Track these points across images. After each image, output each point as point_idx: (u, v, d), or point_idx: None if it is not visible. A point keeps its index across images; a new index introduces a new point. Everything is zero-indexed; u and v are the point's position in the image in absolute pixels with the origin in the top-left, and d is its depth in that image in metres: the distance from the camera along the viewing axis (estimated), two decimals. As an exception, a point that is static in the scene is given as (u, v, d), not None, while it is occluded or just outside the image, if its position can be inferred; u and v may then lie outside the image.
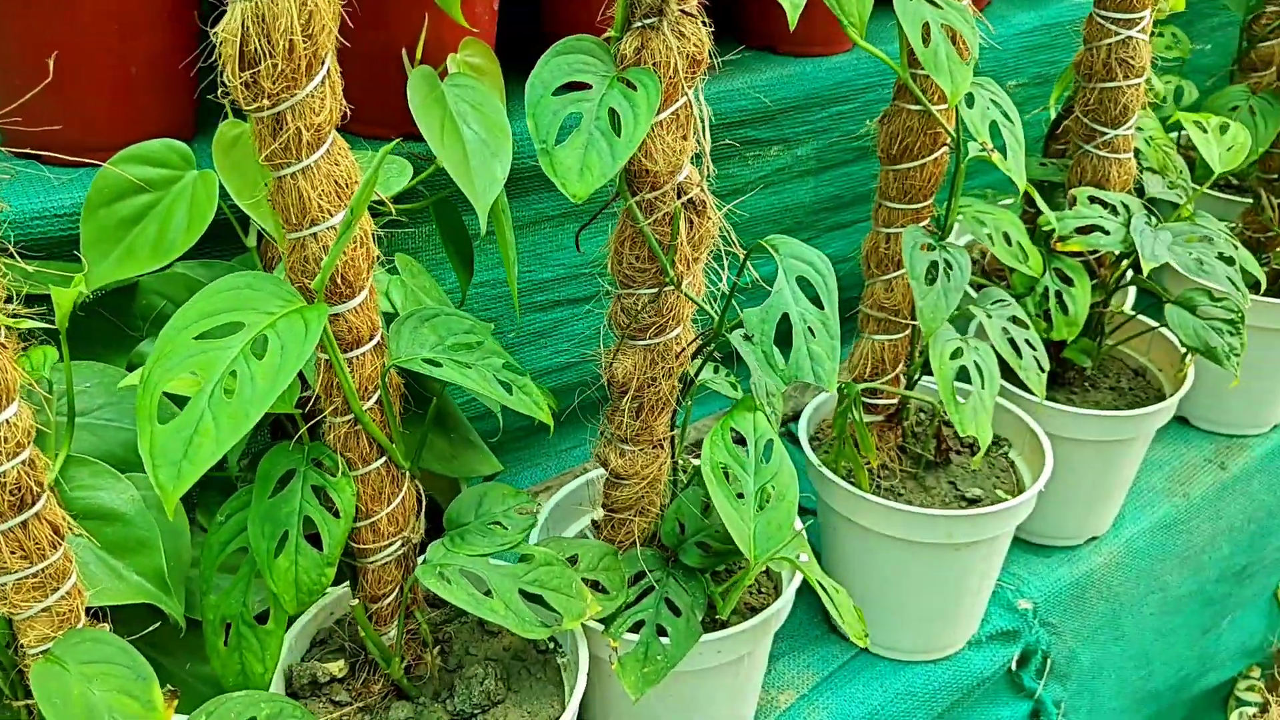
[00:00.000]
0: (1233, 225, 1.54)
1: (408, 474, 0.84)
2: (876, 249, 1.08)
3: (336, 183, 0.69)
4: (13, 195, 0.93)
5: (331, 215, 0.70)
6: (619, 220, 0.88)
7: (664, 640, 0.90)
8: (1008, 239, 1.11)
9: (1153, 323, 1.31)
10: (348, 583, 0.91)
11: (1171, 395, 1.26)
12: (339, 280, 0.72)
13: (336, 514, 0.79)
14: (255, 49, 0.63)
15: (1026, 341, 1.08)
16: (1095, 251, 1.22)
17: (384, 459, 0.81)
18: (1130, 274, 1.24)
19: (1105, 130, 1.19)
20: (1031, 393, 1.08)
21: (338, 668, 0.90)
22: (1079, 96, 1.20)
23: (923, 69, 0.93)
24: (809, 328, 0.79)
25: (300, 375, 0.83)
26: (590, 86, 0.77)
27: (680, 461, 0.99)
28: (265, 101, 0.65)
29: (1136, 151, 1.26)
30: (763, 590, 1.04)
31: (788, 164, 1.42)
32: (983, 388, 1.01)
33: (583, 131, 0.74)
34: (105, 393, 0.86)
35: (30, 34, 0.93)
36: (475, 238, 1.17)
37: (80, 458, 0.80)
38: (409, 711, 0.88)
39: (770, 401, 0.91)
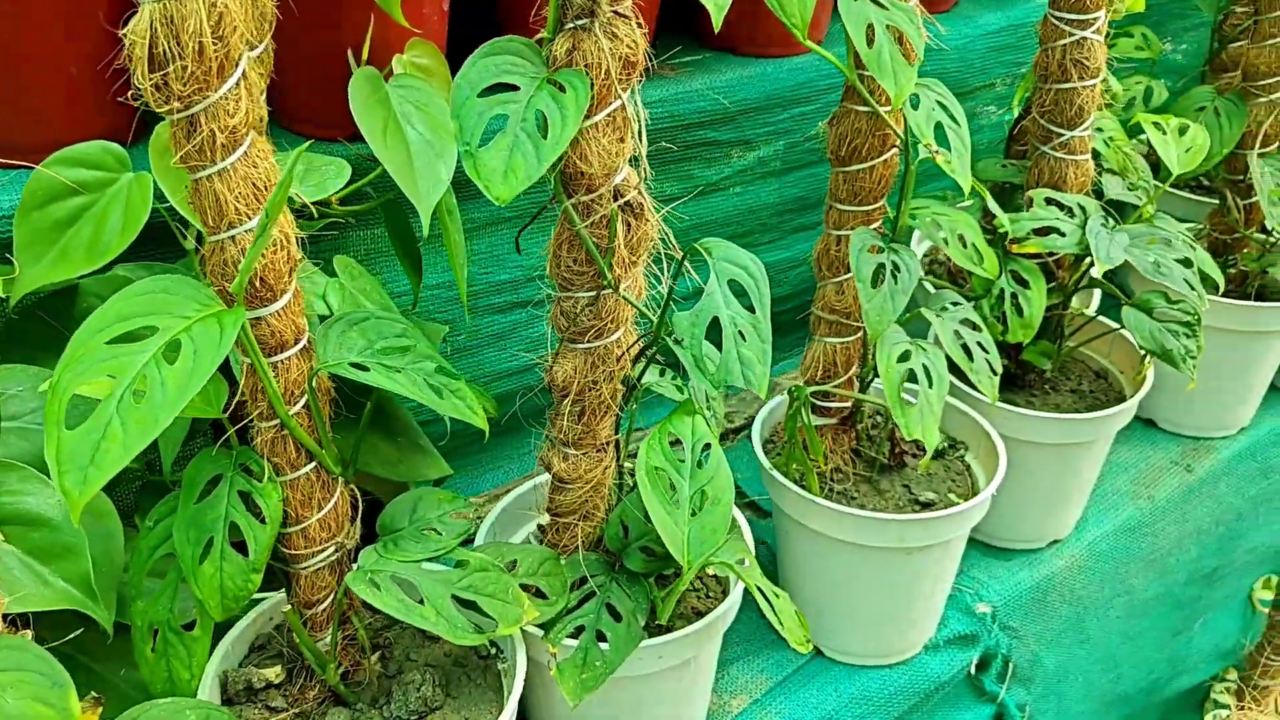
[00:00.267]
0: (1201, 226, 1.53)
1: (340, 479, 0.84)
2: (827, 251, 1.07)
3: (255, 185, 0.69)
4: (-51, 197, 0.93)
5: (250, 218, 0.69)
6: (557, 223, 0.87)
7: (603, 646, 0.89)
8: (963, 241, 1.10)
9: (1114, 324, 1.30)
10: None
11: (1131, 397, 1.26)
12: (258, 283, 0.71)
13: (263, 520, 0.78)
14: (164, 51, 0.62)
15: (979, 344, 1.07)
16: (1054, 254, 1.22)
17: (313, 464, 0.80)
18: (1090, 276, 1.23)
19: (1062, 131, 1.18)
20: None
21: (274, 673, 0.89)
22: (1035, 98, 1.20)
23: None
24: (740, 331, 0.78)
25: (233, 379, 0.83)
26: (519, 88, 0.76)
27: (626, 465, 0.99)
28: (177, 104, 0.64)
29: (1096, 153, 1.25)
30: (711, 594, 1.03)
31: (750, 165, 1.42)
32: (931, 391, 1.00)
33: (509, 133, 0.73)
34: (38, 397, 0.85)
35: (-33, 35, 0.93)
36: (424, 240, 1.16)
37: (8, 462, 0.79)
38: (345, 718, 0.87)
39: (710, 405, 0.90)
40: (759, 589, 0.87)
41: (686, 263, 0.86)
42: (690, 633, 0.93)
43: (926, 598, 1.15)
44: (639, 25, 0.81)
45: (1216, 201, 1.50)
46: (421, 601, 0.81)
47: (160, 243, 0.95)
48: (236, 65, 0.65)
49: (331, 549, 0.85)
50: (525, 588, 0.89)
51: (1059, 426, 1.22)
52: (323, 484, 0.82)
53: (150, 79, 0.63)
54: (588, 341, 0.89)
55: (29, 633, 0.74)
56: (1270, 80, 1.37)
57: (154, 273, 0.96)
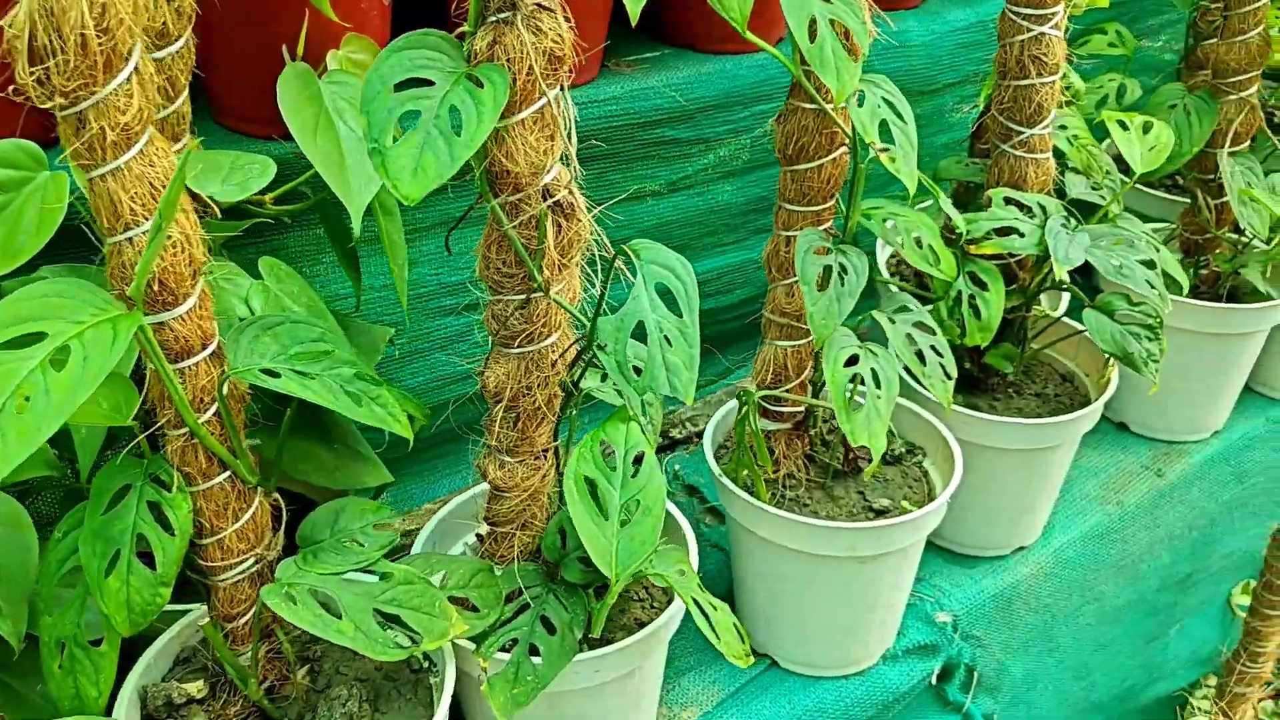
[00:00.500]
0: (1173, 227, 1.50)
1: (259, 489, 0.81)
2: (777, 252, 1.04)
3: (152, 185, 0.66)
4: None
5: (146, 219, 0.66)
6: (486, 224, 0.84)
7: (536, 660, 0.86)
8: (919, 242, 1.07)
9: (1080, 326, 1.27)
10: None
11: (1096, 400, 1.23)
12: (158, 287, 0.68)
13: (172, 532, 0.75)
14: (44, 44, 0.60)
15: (932, 348, 1.04)
16: (1015, 255, 1.19)
17: (228, 473, 0.78)
18: (1053, 278, 1.20)
19: (1021, 129, 1.15)
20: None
21: (196, 688, 0.86)
22: (995, 95, 1.17)
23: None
24: (666, 336, 0.75)
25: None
26: (434, 84, 0.73)
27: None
28: (61, 99, 0.61)
29: (1059, 152, 1.22)
30: (656, 605, 1.00)
31: (710, 164, 1.39)
32: (879, 396, 0.97)
33: (420, 130, 0.70)
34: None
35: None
36: (369, 239, 1.13)
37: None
38: (268, 734, 0.84)
39: (647, 412, 0.87)
40: (695, 601, 0.85)
41: (623, 265, 0.83)
42: (627, 645, 0.90)
43: (883, 607, 1.12)
44: (566, 19, 0.78)
45: (1188, 201, 1.47)
46: (341, 616, 0.78)
47: (88, 244, 0.92)
48: (126, 60, 0.63)
49: (251, 560, 0.82)
50: (457, 600, 0.87)
51: (1021, 431, 1.19)
52: (238, 494, 0.79)
53: (32, 73, 0.60)
54: (519, 346, 0.86)
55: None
56: (1240, 77, 1.34)
57: (80, 274, 0.93)
